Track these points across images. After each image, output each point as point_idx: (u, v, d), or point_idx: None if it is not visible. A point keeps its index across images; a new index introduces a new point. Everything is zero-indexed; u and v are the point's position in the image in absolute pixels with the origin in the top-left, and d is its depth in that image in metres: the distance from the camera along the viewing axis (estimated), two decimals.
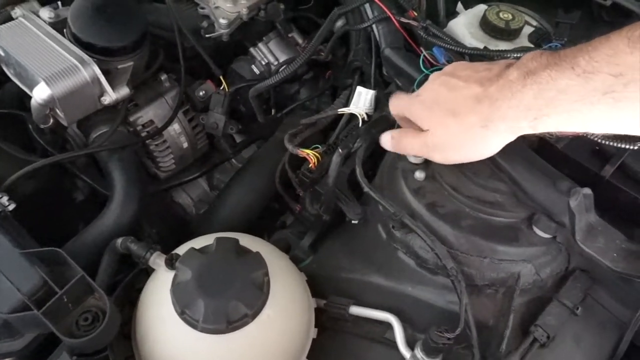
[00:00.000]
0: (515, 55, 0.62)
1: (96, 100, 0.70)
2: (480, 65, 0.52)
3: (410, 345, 0.56)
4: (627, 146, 0.51)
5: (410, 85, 0.67)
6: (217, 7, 0.84)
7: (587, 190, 0.52)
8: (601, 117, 0.42)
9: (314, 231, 0.74)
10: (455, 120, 0.50)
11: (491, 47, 0.74)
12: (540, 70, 0.44)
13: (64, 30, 0.71)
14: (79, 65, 0.67)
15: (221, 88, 0.87)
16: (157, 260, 0.59)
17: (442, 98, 0.52)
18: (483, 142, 0.50)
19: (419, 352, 0.54)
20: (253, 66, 0.93)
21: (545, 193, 0.55)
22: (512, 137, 0.49)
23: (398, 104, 0.59)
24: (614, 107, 0.40)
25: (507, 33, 0.76)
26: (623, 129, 0.43)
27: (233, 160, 0.97)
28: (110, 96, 0.71)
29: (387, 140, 0.61)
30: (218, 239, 0.57)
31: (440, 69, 0.57)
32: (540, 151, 0.59)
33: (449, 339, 0.51)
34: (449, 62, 0.64)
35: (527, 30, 0.79)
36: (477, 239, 0.56)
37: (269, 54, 0.92)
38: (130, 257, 0.62)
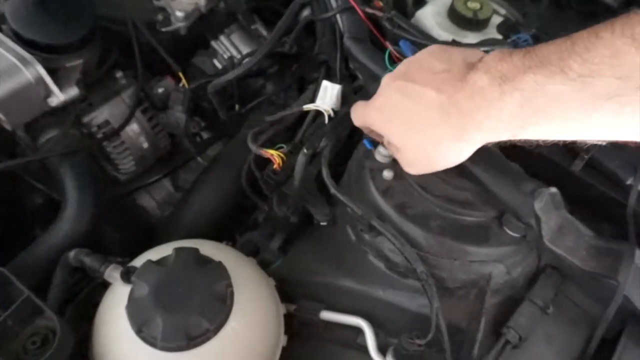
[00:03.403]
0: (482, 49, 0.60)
1: (42, 102, 0.66)
2: (438, 63, 0.46)
3: (382, 350, 0.55)
4: (596, 142, 0.49)
5: (373, 81, 0.63)
6: None
7: (553, 189, 0.51)
8: (600, 125, 0.38)
9: (283, 233, 0.72)
10: (421, 135, 0.46)
11: (459, 38, 0.72)
12: (518, 74, 0.40)
13: (2, 26, 0.66)
14: (21, 65, 0.62)
15: (180, 85, 0.83)
16: (113, 274, 0.56)
17: (400, 107, 0.48)
18: (455, 153, 0.46)
19: (390, 359, 0.52)
20: (215, 60, 0.89)
21: (509, 195, 0.53)
22: (484, 143, 0.45)
23: (356, 116, 0.55)
24: (618, 113, 0.37)
25: (475, 23, 0.74)
26: (623, 137, 0.39)
27: (199, 158, 0.93)
28: (58, 97, 0.66)
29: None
30: (177, 250, 0.54)
31: None
32: (509, 147, 0.57)
33: (420, 345, 0.50)
34: None
35: (496, 20, 0.77)
36: (447, 240, 0.54)
37: (231, 47, 0.88)
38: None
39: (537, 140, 0.43)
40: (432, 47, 0.49)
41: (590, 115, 0.38)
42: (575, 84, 0.37)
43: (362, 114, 0.54)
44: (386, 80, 0.50)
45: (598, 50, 0.36)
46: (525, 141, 0.43)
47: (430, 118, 0.45)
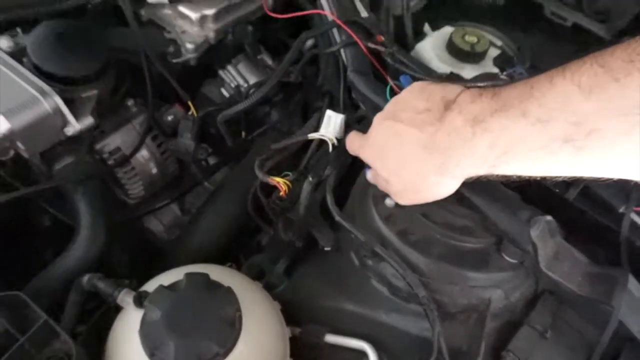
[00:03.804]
0: (479, 84, 0.63)
1: (59, 132, 0.68)
2: (420, 102, 0.49)
3: None
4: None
5: (375, 113, 0.66)
6: (184, 32, 0.83)
7: (549, 217, 0.53)
8: (564, 164, 0.40)
9: (288, 257, 0.74)
10: (407, 171, 0.50)
11: (457, 70, 0.75)
12: (487, 116, 0.42)
13: (23, 59, 0.69)
14: (40, 96, 0.64)
15: (189, 113, 0.86)
16: (125, 298, 0.58)
17: (389, 145, 0.51)
18: (440, 187, 0.49)
19: None
20: (222, 89, 0.92)
21: (507, 223, 0.55)
22: (466, 177, 0.48)
23: (351, 145, 0.59)
24: (575, 155, 0.38)
25: (473, 56, 0.78)
26: (586, 174, 0.40)
27: (205, 183, 0.96)
28: (74, 127, 0.69)
29: (370, 177, 0.61)
30: (188, 275, 0.56)
31: None
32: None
33: None
34: None
35: (493, 52, 0.80)
36: (448, 266, 0.56)
37: (238, 77, 0.92)
38: None
39: (512, 176, 0.44)
40: (414, 86, 0.52)
41: (551, 156, 0.39)
42: (534, 127, 0.39)
43: (357, 147, 0.58)
44: (377, 119, 0.54)
45: (551, 96, 0.38)
46: (503, 176, 0.45)
47: (415, 156, 0.48)
